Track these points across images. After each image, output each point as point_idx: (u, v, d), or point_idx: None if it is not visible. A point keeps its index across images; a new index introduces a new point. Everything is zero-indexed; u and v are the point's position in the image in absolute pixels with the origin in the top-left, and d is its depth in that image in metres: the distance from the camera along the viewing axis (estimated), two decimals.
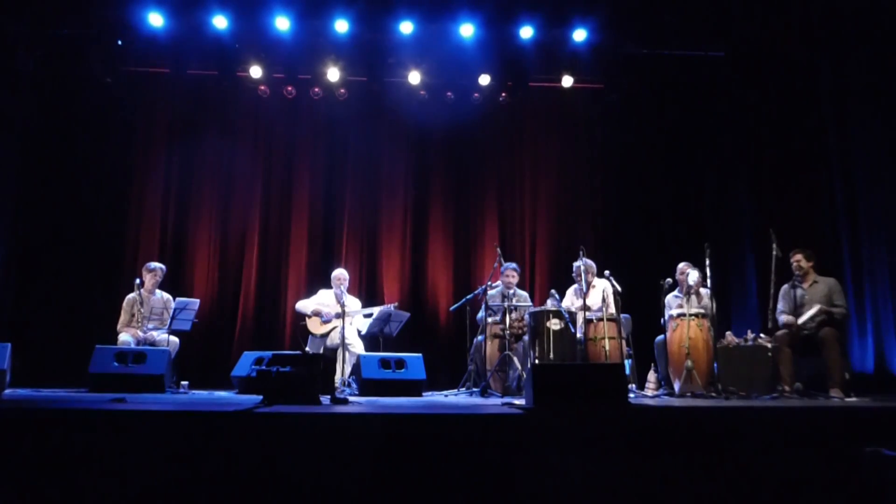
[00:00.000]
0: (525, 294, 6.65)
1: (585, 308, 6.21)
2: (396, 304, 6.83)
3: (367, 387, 5.78)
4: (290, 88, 7.82)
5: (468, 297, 6.58)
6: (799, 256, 5.70)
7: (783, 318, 5.66)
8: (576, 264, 6.41)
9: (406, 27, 7.32)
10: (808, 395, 5.19)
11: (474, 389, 6.01)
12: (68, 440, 3.13)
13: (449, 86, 7.89)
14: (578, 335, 6.09)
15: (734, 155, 7.92)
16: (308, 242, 8.08)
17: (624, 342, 6.06)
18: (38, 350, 6.83)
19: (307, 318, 6.77)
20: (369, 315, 6.69)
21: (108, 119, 7.84)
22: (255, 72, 7.63)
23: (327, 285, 6.88)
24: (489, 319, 6.22)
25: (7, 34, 7.13)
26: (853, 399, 5.09)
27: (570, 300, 6.58)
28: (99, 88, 7.59)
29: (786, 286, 5.76)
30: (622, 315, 6.19)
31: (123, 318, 6.37)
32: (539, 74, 7.93)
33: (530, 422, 3.49)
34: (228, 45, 7.43)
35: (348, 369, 6.36)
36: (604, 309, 5.93)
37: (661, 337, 6.03)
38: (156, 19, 7.18)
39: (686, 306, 5.92)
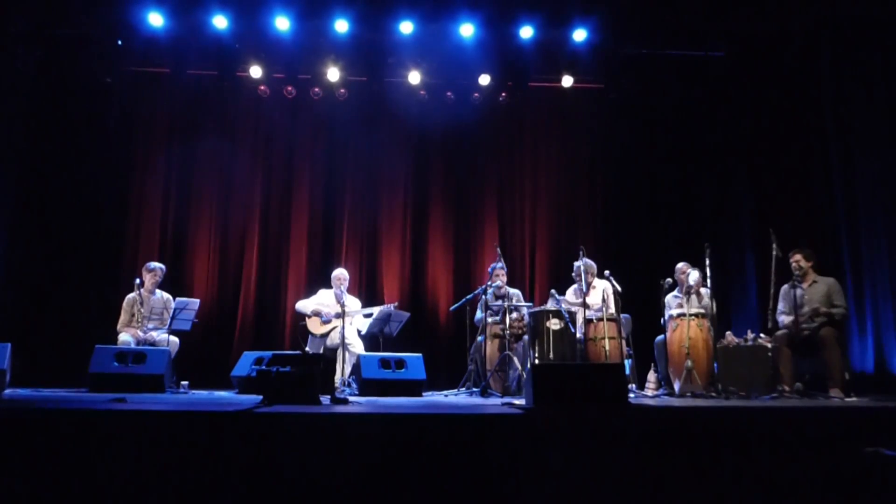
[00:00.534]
0: (518, 292, 6.65)
1: (586, 308, 6.21)
2: (396, 303, 6.83)
3: (367, 387, 5.77)
4: (290, 88, 7.82)
5: (468, 297, 6.58)
6: (798, 256, 5.70)
7: (783, 318, 5.67)
8: (576, 264, 6.41)
9: (406, 27, 7.32)
10: (808, 395, 5.19)
11: (474, 389, 6.01)
12: (68, 440, 3.13)
13: (449, 86, 7.89)
14: (578, 335, 6.09)
15: (734, 155, 7.93)
16: (308, 242, 8.08)
17: (624, 342, 6.07)
18: (38, 350, 6.83)
19: (307, 318, 6.77)
20: (369, 315, 6.69)
21: (108, 119, 7.83)
22: (255, 72, 7.63)
23: (327, 285, 6.89)
24: (489, 319, 6.22)
25: (7, 34, 7.13)
26: (853, 399, 5.09)
27: (572, 299, 6.58)
28: (99, 88, 7.59)
29: (786, 286, 5.77)
30: (622, 315, 6.20)
31: (123, 318, 6.37)
32: (539, 74, 7.93)
33: (530, 422, 3.49)
34: (228, 45, 7.43)
35: (348, 369, 6.36)
36: (604, 309, 5.93)
37: (661, 337, 6.04)
38: (156, 19, 7.18)
39: (686, 306, 5.93)
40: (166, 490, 3.07)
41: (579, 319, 6.16)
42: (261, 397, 4.15)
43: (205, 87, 7.83)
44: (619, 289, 6.12)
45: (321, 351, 6.62)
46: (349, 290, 6.84)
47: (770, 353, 5.63)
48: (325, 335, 6.69)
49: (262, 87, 7.84)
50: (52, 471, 3.07)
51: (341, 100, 7.94)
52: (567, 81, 7.91)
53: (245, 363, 5.96)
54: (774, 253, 5.58)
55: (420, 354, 6.15)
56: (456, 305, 6.78)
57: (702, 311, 5.78)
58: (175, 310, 6.18)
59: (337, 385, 5.60)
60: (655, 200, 8.21)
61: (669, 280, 5.97)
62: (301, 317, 6.87)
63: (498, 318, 6.21)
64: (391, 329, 6.65)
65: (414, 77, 7.77)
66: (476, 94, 7.99)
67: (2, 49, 7.13)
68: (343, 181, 8.23)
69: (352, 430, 3.31)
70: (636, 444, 3.33)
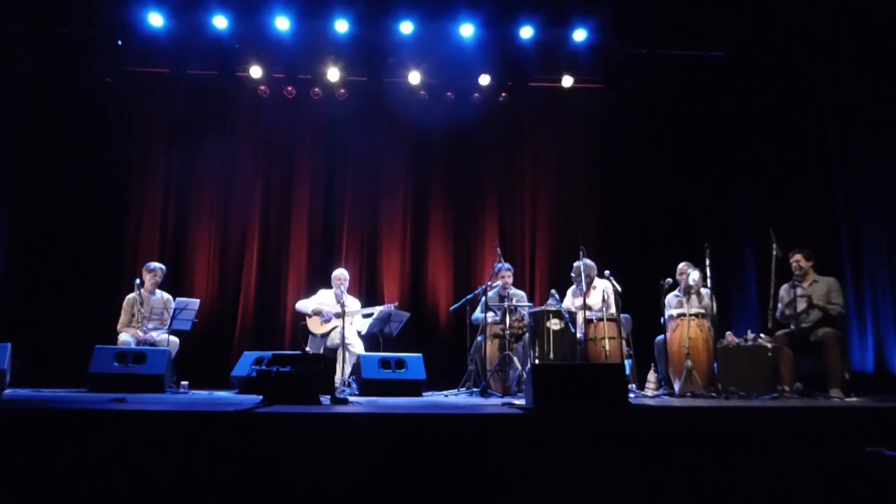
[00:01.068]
0: (522, 293, 6.66)
1: (586, 308, 6.21)
2: (396, 303, 6.84)
3: (367, 387, 5.77)
4: (290, 88, 7.82)
5: (468, 297, 6.58)
6: (798, 256, 5.70)
7: (779, 310, 5.67)
8: (576, 264, 6.41)
9: (406, 27, 7.32)
10: (809, 395, 5.19)
11: (474, 389, 6.01)
12: (68, 440, 3.13)
13: (449, 86, 7.90)
14: (578, 335, 6.09)
15: (734, 155, 7.92)
16: (308, 242, 8.08)
17: (624, 342, 6.07)
18: (38, 350, 6.83)
19: (307, 318, 6.77)
20: (369, 315, 6.70)
21: (108, 119, 7.83)
22: (255, 72, 7.63)
23: (327, 285, 6.89)
24: (489, 319, 6.22)
25: (7, 34, 7.12)
26: (853, 399, 5.09)
27: (570, 300, 6.58)
28: (99, 88, 7.59)
29: (786, 286, 5.77)
30: (622, 315, 6.20)
31: (123, 318, 6.37)
32: (539, 74, 7.93)
33: (530, 422, 3.49)
34: (228, 45, 7.43)
35: (348, 369, 6.36)
36: (604, 309, 5.93)
37: (661, 337, 6.04)
38: (156, 19, 7.18)
39: (686, 306, 5.93)
40: (166, 490, 3.07)
41: (579, 319, 6.16)
42: (261, 397, 4.15)
43: (205, 88, 7.84)
44: (619, 289, 6.12)
45: (321, 351, 6.62)
46: (349, 290, 6.84)
47: (770, 354, 5.62)
48: (326, 335, 6.69)
49: (262, 88, 7.85)
50: (52, 471, 3.06)
51: (341, 100, 7.95)
52: (567, 81, 7.91)
53: (245, 363, 5.96)
54: (774, 253, 5.58)
55: (420, 354, 6.15)
56: (456, 305, 6.78)
57: (702, 311, 5.78)
58: (175, 310, 6.18)
59: (337, 385, 5.59)
60: (655, 200, 8.21)
61: (669, 280, 5.97)
62: (301, 317, 6.87)
63: (498, 317, 6.21)
64: (391, 329, 6.65)
65: (414, 77, 7.77)
66: (476, 94, 8.00)
67: (2, 49, 7.13)
68: (343, 181, 8.23)
69: (352, 430, 3.31)
70: (636, 444, 3.33)
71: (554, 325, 5.92)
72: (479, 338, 6.30)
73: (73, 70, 7.55)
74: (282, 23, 7.24)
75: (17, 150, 7.41)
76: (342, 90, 7.88)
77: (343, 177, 8.24)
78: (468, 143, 8.33)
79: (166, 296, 6.55)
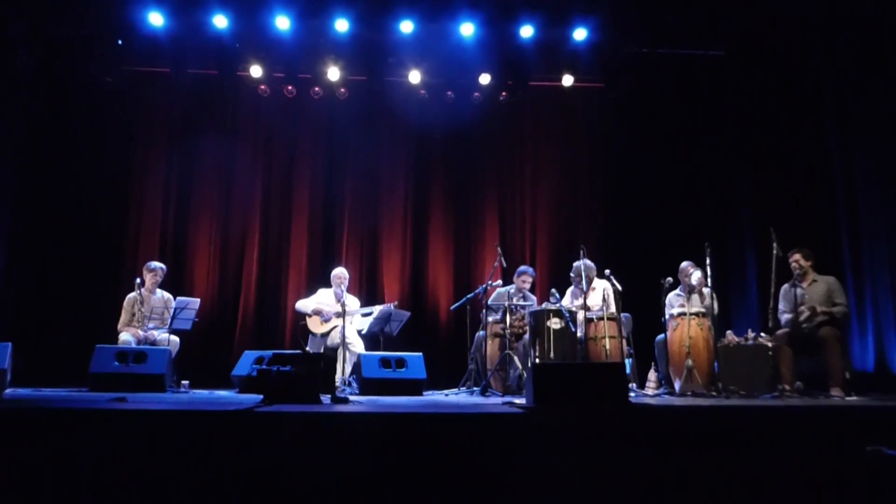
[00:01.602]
0: (534, 299, 6.65)
1: (586, 308, 6.21)
2: (396, 303, 6.84)
3: (368, 386, 5.78)
4: (290, 88, 7.81)
5: (468, 296, 6.59)
6: (797, 256, 5.70)
7: (784, 317, 5.67)
8: (575, 265, 6.40)
9: (406, 26, 7.31)
10: (809, 394, 5.19)
11: (475, 388, 6.01)
12: (68, 440, 3.13)
13: (449, 85, 7.89)
14: (579, 334, 6.09)
15: (734, 154, 7.92)
16: (308, 242, 8.08)
17: (624, 341, 6.07)
18: (38, 350, 6.83)
19: (307, 318, 6.77)
20: (369, 314, 6.70)
21: (108, 119, 7.84)
22: (256, 71, 7.63)
23: (327, 284, 6.89)
24: (489, 319, 6.22)
25: (7, 34, 7.12)
26: (854, 398, 5.09)
27: (569, 301, 6.57)
28: (99, 88, 7.59)
29: (786, 285, 5.77)
30: (623, 314, 6.19)
31: (124, 317, 6.38)
32: (539, 74, 7.93)
33: (531, 421, 3.49)
34: (228, 44, 7.43)
35: (349, 368, 6.37)
36: (604, 308, 5.93)
37: (661, 336, 6.04)
38: (156, 19, 7.18)
39: (687, 305, 5.93)
40: (166, 490, 3.07)
41: (580, 319, 6.16)
42: (261, 396, 4.15)
43: (205, 87, 7.83)
44: (619, 288, 6.12)
45: (322, 350, 6.63)
46: (349, 290, 6.84)
47: (771, 353, 5.62)
48: (326, 334, 6.69)
49: (263, 87, 7.84)
50: (52, 471, 3.06)
51: (341, 99, 7.95)
52: (567, 81, 7.91)
53: (246, 362, 5.96)
54: (775, 252, 5.58)
55: (420, 354, 6.16)
56: (456, 305, 6.78)
57: (702, 310, 5.77)
58: (175, 309, 6.18)
59: (337, 384, 5.60)
60: (655, 200, 8.20)
61: (670, 279, 5.96)
62: (301, 316, 6.87)
63: (499, 317, 6.21)
64: (391, 328, 6.65)
65: (414, 76, 7.77)
66: (476, 94, 7.99)
67: (2, 49, 7.13)
68: (343, 181, 8.22)
69: (352, 429, 3.31)
70: (636, 443, 3.33)
71: (554, 324, 5.92)
72: (480, 333, 6.29)
73: (73, 70, 7.55)
74: (282, 22, 7.24)
75: (18, 150, 7.42)
76: (342, 89, 7.87)
77: (343, 176, 8.23)
78: (468, 143, 8.33)
79: (167, 295, 6.55)
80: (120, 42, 7.35)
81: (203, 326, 6.89)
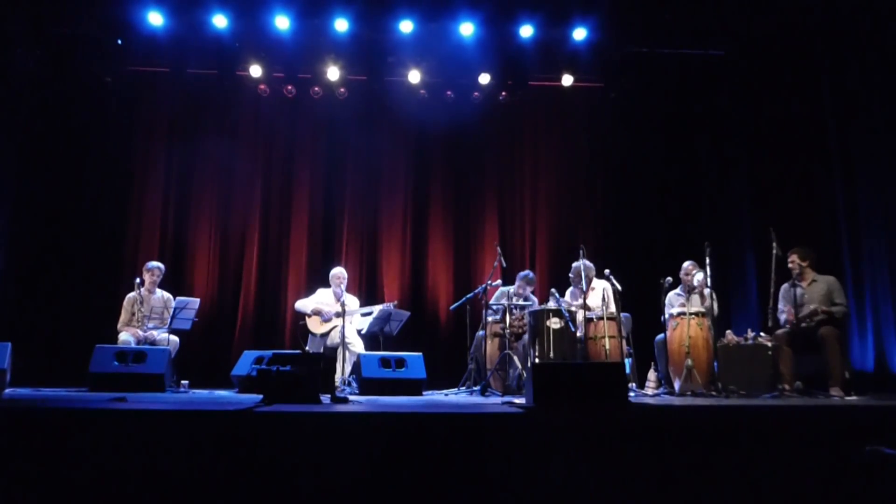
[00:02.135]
0: (534, 298, 6.65)
1: (586, 308, 6.21)
2: (396, 302, 6.84)
3: (368, 386, 5.78)
4: (290, 87, 7.82)
5: (468, 296, 6.58)
6: (794, 256, 5.70)
7: (784, 317, 5.67)
8: (575, 265, 6.40)
9: (406, 26, 7.31)
10: (809, 393, 5.19)
11: (474, 388, 6.01)
12: (68, 440, 3.13)
13: (449, 85, 7.89)
14: (579, 334, 6.09)
15: (734, 154, 7.92)
16: (308, 242, 8.08)
17: (624, 341, 6.07)
18: (38, 350, 6.83)
19: (307, 318, 6.77)
20: (369, 314, 6.70)
21: (108, 118, 7.84)
22: (255, 71, 7.63)
23: (327, 284, 6.89)
24: (489, 318, 6.22)
25: (7, 34, 7.12)
26: (853, 398, 5.09)
27: (569, 301, 6.57)
28: (99, 88, 7.59)
29: (786, 285, 5.77)
30: (622, 314, 6.19)
31: (123, 317, 6.38)
32: (539, 73, 7.93)
33: (530, 421, 3.49)
34: (228, 44, 7.42)
35: (348, 368, 6.37)
36: (604, 308, 5.93)
37: (661, 336, 6.04)
38: (156, 18, 7.17)
39: (687, 305, 5.93)
40: (166, 490, 3.07)
41: (579, 318, 6.16)
42: (261, 396, 4.15)
43: (205, 87, 7.83)
44: (619, 288, 6.12)
45: (321, 350, 6.63)
46: (348, 289, 6.84)
47: (770, 352, 5.63)
48: (326, 334, 6.69)
49: (262, 87, 7.84)
50: (52, 471, 3.07)
51: (341, 99, 7.95)
52: (567, 80, 7.91)
53: (245, 362, 5.96)
54: (774, 252, 5.58)
55: (420, 353, 6.15)
56: (456, 304, 6.78)
57: (702, 310, 5.78)
58: (175, 309, 6.18)
59: (337, 384, 5.60)
60: (655, 199, 8.21)
61: (669, 279, 5.97)
62: (301, 316, 6.87)
63: (498, 316, 6.21)
64: (391, 328, 6.65)
65: (414, 76, 7.77)
66: (476, 94, 8.00)
67: (2, 49, 7.13)
68: (343, 181, 8.23)
69: (352, 429, 3.32)
70: (636, 442, 3.33)
71: (554, 323, 5.92)
72: (479, 332, 6.28)
73: (74, 70, 7.55)
74: (282, 22, 7.24)
75: (18, 150, 7.42)
76: (342, 89, 7.88)
77: (343, 176, 8.24)
78: (468, 142, 8.33)
79: (166, 295, 6.55)
80: (120, 42, 7.35)
81: (203, 326, 6.89)
